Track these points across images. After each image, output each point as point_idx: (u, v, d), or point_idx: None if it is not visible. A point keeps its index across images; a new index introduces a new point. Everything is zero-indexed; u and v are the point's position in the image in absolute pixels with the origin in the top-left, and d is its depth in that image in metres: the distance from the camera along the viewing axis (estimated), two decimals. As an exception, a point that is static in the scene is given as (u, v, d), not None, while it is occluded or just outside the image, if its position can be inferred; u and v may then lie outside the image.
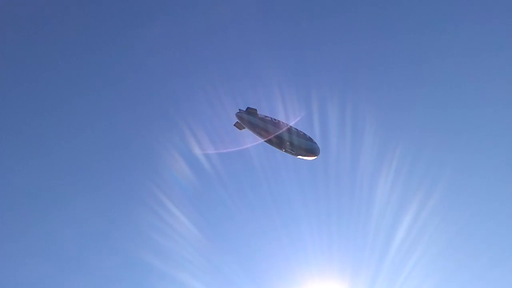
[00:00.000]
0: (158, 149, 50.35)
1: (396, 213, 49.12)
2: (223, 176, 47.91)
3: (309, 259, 48.40)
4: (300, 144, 31.21)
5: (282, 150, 31.49)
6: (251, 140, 33.45)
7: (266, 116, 31.01)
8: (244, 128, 31.26)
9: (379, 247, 48.55)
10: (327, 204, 49.67)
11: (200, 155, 44.63)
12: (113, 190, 54.27)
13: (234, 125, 31.60)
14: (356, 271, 47.64)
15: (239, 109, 31.23)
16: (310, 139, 32.27)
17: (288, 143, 30.93)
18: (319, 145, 32.95)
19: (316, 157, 32.96)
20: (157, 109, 57.67)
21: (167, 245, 48.12)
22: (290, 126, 31.56)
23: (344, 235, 49.28)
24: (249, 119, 30.34)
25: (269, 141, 31.11)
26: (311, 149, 32.05)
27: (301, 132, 31.94)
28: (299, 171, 46.23)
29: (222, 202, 50.17)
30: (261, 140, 31.39)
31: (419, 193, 49.15)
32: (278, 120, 31.29)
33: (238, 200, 50.15)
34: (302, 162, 33.27)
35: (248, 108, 30.73)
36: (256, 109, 30.76)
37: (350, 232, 49.49)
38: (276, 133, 30.56)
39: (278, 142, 30.91)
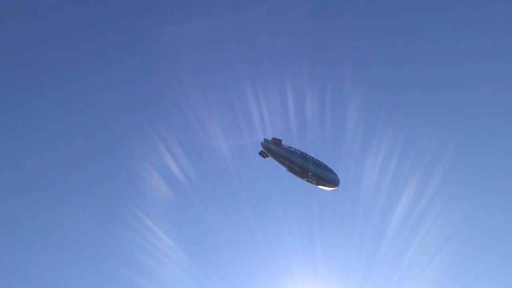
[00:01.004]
0: (136, 167, 51.36)
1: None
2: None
3: (292, 271, 49.73)
4: (322, 175, 32.60)
5: (304, 180, 32.79)
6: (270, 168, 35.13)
7: (290, 147, 32.54)
8: (268, 156, 32.75)
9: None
10: (309, 222, 50.58)
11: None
12: (97, 204, 54.22)
13: (259, 153, 33.11)
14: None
15: (264, 139, 32.85)
16: (331, 171, 33.63)
17: (310, 173, 32.25)
18: (338, 177, 34.26)
19: (336, 188, 34.19)
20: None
21: (149, 261, 49.06)
22: (313, 157, 33.01)
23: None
24: (274, 148, 31.87)
25: (292, 170, 32.46)
26: (332, 180, 33.42)
27: (323, 163, 33.35)
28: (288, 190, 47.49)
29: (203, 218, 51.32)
30: (284, 169, 32.75)
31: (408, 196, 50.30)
32: (301, 151, 32.75)
33: (219, 215, 51.52)
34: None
35: (273, 138, 32.35)
36: (281, 140, 32.36)
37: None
38: (300, 164, 31.94)
39: (301, 172, 32.26)
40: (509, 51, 58.08)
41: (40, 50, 56.51)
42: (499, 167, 57.12)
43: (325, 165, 33.50)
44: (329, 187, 33.90)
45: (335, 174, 33.97)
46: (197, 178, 50.59)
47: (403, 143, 52.22)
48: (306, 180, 32.84)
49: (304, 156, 32.39)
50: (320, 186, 33.68)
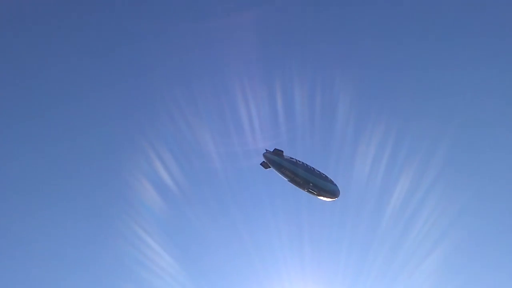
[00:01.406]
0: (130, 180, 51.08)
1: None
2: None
3: (288, 273, 49.69)
4: (323, 186, 33.10)
5: (305, 191, 33.19)
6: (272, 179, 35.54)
7: (291, 158, 32.92)
8: (270, 167, 33.07)
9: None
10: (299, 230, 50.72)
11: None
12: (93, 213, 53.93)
13: (260, 164, 33.42)
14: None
15: (266, 150, 33.20)
16: (332, 182, 34.13)
17: (311, 184, 32.66)
18: (339, 188, 34.77)
19: (336, 198, 34.68)
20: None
21: (140, 269, 48.87)
22: (313, 168, 33.44)
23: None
24: (275, 159, 32.22)
25: (293, 181, 32.84)
26: (333, 191, 33.93)
27: (324, 174, 33.81)
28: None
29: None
30: (285, 180, 33.09)
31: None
32: (303, 162, 33.16)
33: (207, 221, 51.73)
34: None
35: (275, 149, 32.70)
36: (282, 151, 32.73)
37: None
38: (301, 175, 32.33)
39: (302, 182, 32.66)
40: (499, 45, 59.13)
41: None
42: (494, 162, 58.58)
43: (326, 175, 33.99)
44: (330, 198, 34.37)
45: (335, 185, 34.48)
46: (187, 183, 50.65)
47: (395, 141, 52.70)
48: (307, 191, 33.26)
49: (305, 167, 32.82)
50: (320, 197, 34.13)
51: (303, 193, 33.82)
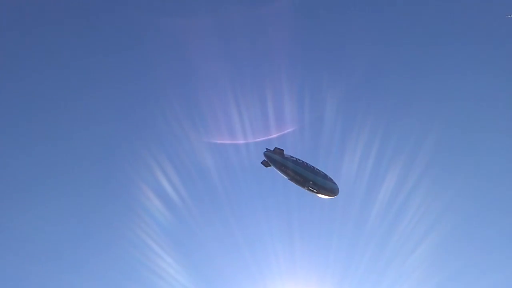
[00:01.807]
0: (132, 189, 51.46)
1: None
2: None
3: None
4: (323, 184, 33.72)
5: (305, 189, 33.79)
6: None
7: (291, 156, 33.54)
8: (270, 166, 33.63)
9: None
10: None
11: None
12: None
13: (261, 162, 33.97)
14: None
15: (267, 148, 33.77)
16: (331, 180, 34.77)
17: (311, 182, 33.28)
18: (338, 186, 35.43)
19: (335, 196, 35.34)
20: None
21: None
22: (313, 167, 34.06)
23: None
24: (276, 158, 32.80)
25: (293, 179, 33.44)
26: (332, 189, 34.56)
27: (323, 172, 34.44)
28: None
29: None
30: (285, 178, 33.67)
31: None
32: (303, 161, 33.77)
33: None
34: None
35: (275, 148, 33.27)
36: (283, 150, 33.32)
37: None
38: (301, 173, 32.93)
39: (302, 181, 33.27)
40: (479, 44, 60.23)
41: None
42: (478, 160, 59.68)
43: (325, 174, 34.62)
44: (329, 195, 35.01)
45: (335, 183, 35.13)
46: (188, 183, 50.97)
47: (381, 139, 53.30)
48: (307, 189, 33.86)
49: (305, 166, 33.44)
50: (320, 195, 34.77)
51: (303, 191, 34.51)
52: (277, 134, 41.44)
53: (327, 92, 54.82)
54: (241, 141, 44.30)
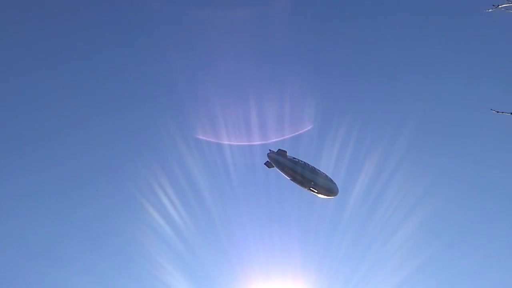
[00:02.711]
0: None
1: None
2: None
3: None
4: (323, 184, 35.12)
5: (307, 189, 35.14)
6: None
7: (294, 158, 34.90)
8: (273, 167, 34.93)
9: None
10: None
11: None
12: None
13: (264, 163, 35.26)
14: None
15: (270, 150, 35.14)
16: (331, 180, 36.21)
17: (312, 182, 34.63)
18: (338, 186, 36.85)
19: (335, 196, 36.74)
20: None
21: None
22: (314, 168, 35.45)
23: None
24: (281, 160, 34.14)
25: (296, 180, 34.80)
26: (332, 189, 36.02)
27: (324, 173, 35.83)
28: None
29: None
30: (288, 179, 34.96)
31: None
32: (304, 162, 35.14)
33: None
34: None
35: (279, 149, 34.64)
36: (286, 151, 34.71)
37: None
38: (303, 174, 34.28)
39: (303, 181, 34.63)
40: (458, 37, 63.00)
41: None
42: (457, 145, 61.87)
43: (326, 175, 36.04)
44: (328, 195, 36.41)
45: (335, 183, 36.55)
46: (188, 183, 51.80)
47: (361, 125, 54.00)
48: (308, 189, 35.21)
49: (307, 167, 34.82)
50: (320, 195, 36.13)
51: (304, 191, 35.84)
52: (280, 138, 42.32)
53: (330, 94, 56.06)
54: (245, 143, 45.25)
